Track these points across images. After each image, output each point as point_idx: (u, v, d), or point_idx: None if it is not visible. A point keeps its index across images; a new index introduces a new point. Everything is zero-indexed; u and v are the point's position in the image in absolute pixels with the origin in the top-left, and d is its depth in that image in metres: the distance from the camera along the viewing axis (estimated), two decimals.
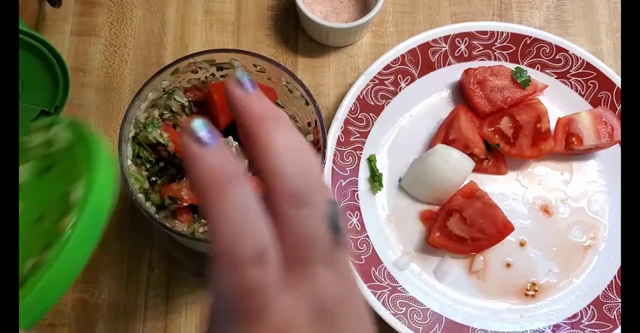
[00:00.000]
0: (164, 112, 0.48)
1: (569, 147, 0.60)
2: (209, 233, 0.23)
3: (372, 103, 0.61)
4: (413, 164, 0.60)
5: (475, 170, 0.59)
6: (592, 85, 0.62)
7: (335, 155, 0.58)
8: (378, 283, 0.55)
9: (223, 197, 0.22)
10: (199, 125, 0.23)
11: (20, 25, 0.51)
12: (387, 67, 0.61)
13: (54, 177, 0.31)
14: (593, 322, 0.56)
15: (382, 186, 0.60)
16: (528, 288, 0.58)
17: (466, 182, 0.59)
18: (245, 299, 0.22)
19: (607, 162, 0.62)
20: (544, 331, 0.56)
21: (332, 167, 0.58)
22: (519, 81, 0.61)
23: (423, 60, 0.62)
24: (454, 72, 0.63)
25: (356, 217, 0.57)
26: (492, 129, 0.60)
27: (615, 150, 0.61)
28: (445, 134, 0.60)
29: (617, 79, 0.62)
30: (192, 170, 0.23)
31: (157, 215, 0.45)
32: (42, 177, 0.31)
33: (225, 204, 0.22)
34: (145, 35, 0.63)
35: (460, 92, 0.63)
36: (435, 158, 0.58)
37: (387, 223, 0.59)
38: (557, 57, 0.63)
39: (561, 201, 0.61)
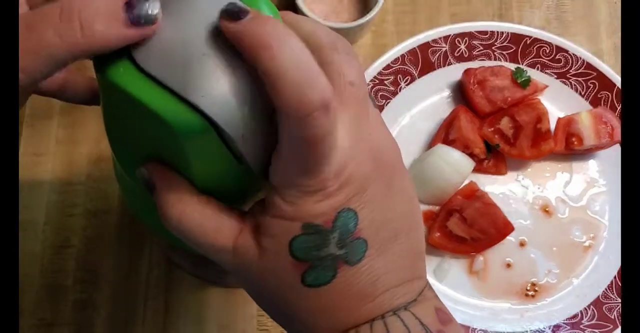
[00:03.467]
0: None
1: (569, 147, 0.60)
2: (270, 89, 0.23)
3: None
4: (413, 164, 0.60)
5: (475, 170, 0.59)
6: (592, 85, 0.62)
7: None
8: None
9: (283, 46, 0.23)
10: (230, 7, 0.23)
11: None
12: (387, 67, 0.61)
13: None
14: (593, 322, 0.56)
15: None
16: (528, 288, 0.58)
17: (466, 182, 0.59)
18: (315, 149, 0.24)
19: (607, 162, 0.62)
20: (544, 331, 0.56)
21: None
22: (519, 81, 0.61)
23: (423, 60, 0.62)
24: (454, 72, 0.63)
25: None
26: (492, 129, 0.60)
27: (616, 151, 0.61)
28: (445, 134, 0.60)
29: (617, 79, 0.62)
30: (244, 36, 0.23)
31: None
32: None
33: (287, 52, 0.23)
34: None
35: (461, 92, 0.63)
36: (435, 158, 0.57)
37: None
38: (557, 57, 0.63)
39: (561, 201, 0.60)
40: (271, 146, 0.26)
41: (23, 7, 0.26)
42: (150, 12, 0.23)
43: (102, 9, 0.23)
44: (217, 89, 0.24)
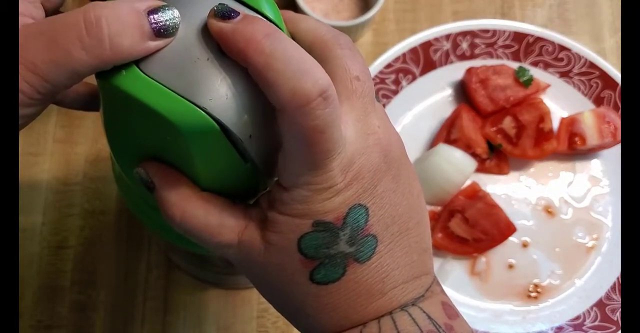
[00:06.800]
0: None
1: (572, 147, 0.59)
2: (263, 84, 0.23)
3: None
4: (415, 163, 0.60)
5: (478, 170, 0.59)
6: (595, 85, 0.62)
7: None
8: None
9: (271, 40, 0.23)
10: (221, 8, 0.23)
11: None
12: (388, 65, 0.60)
13: None
14: (596, 323, 0.56)
15: None
16: (530, 289, 0.57)
17: (468, 182, 0.59)
18: (318, 142, 0.23)
19: (610, 162, 0.61)
20: None
21: None
22: (521, 80, 0.60)
23: (424, 59, 0.61)
24: (456, 70, 0.62)
25: None
26: (495, 128, 0.59)
27: (619, 150, 0.61)
28: (447, 133, 0.60)
29: (620, 78, 0.61)
30: (233, 37, 0.23)
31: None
32: None
33: (276, 45, 0.23)
34: None
35: (463, 91, 0.62)
36: (437, 158, 0.57)
37: None
38: (559, 55, 0.62)
39: (564, 202, 0.60)
40: (278, 145, 0.26)
41: (38, 12, 0.26)
42: (172, 23, 0.23)
43: (128, 22, 0.22)
44: (224, 91, 0.24)
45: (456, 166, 0.57)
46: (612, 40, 0.66)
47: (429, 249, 0.29)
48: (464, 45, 0.62)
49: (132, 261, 0.55)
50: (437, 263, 0.57)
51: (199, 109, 0.23)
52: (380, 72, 0.60)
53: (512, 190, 0.60)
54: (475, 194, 0.58)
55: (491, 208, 0.57)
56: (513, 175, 0.60)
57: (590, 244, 0.59)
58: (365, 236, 0.26)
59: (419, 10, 0.66)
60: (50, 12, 0.27)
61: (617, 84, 0.61)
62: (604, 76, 0.61)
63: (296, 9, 0.59)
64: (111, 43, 0.22)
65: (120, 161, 0.30)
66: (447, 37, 0.62)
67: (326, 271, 0.26)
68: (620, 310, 0.56)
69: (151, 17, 0.23)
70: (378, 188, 0.26)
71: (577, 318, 0.56)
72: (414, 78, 0.61)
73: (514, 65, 0.62)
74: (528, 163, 0.61)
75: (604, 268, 0.58)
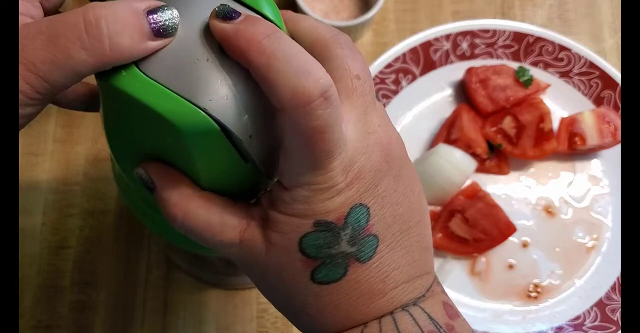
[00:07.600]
0: None
1: (572, 147, 0.59)
2: (264, 85, 0.23)
3: None
4: (415, 163, 0.60)
5: (478, 170, 0.59)
6: (595, 85, 0.62)
7: None
8: None
9: (272, 40, 0.23)
10: (222, 8, 0.24)
11: None
12: (388, 65, 0.60)
13: None
14: (596, 323, 0.56)
15: None
16: (530, 289, 0.57)
17: (468, 182, 0.59)
18: (319, 142, 0.23)
19: (610, 162, 0.61)
20: None
21: None
22: (521, 80, 0.60)
23: (424, 59, 0.61)
24: (456, 70, 0.62)
25: None
26: (495, 128, 0.59)
27: (619, 150, 0.61)
28: (447, 133, 0.60)
29: (620, 78, 0.61)
30: (235, 38, 0.23)
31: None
32: None
33: (276, 45, 0.23)
34: None
35: (462, 91, 0.62)
36: (437, 157, 0.57)
37: None
38: (559, 55, 0.62)
39: (564, 202, 0.60)
40: (278, 145, 0.26)
41: (38, 12, 0.26)
42: (172, 23, 0.23)
43: (127, 22, 0.22)
44: (224, 92, 0.24)
45: (456, 166, 0.57)
46: (612, 40, 0.66)
47: (429, 248, 0.29)
48: (464, 45, 0.62)
49: (132, 261, 0.55)
50: (437, 263, 0.57)
51: (199, 110, 0.23)
52: (380, 72, 0.60)
53: (512, 190, 0.60)
54: (475, 194, 0.58)
55: (491, 208, 0.57)
56: (513, 175, 0.60)
57: (590, 244, 0.59)
58: (367, 236, 0.26)
59: (419, 10, 0.66)
60: (50, 12, 0.27)
61: (617, 84, 0.61)
62: (604, 76, 0.61)
63: (296, 9, 0.59)
64: (111, 43, 0.22)
65: (120, 161, 0.30)
66: (447, 37, 0.62)
67: (327, 271, 0.26)
68: (620, 310, 0.56)
69: (150, 17, 0.23)
70: (379, 188, 0.26)
71: (577, 318, 0.56)
72: (414, 78, 0.61)
73: (514, 65, 0.62)
74: (528, 163, 0.61)
75: (604, 268, 0.58)
